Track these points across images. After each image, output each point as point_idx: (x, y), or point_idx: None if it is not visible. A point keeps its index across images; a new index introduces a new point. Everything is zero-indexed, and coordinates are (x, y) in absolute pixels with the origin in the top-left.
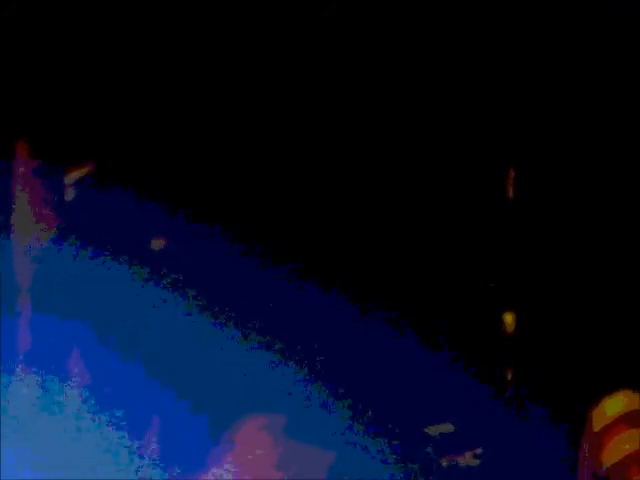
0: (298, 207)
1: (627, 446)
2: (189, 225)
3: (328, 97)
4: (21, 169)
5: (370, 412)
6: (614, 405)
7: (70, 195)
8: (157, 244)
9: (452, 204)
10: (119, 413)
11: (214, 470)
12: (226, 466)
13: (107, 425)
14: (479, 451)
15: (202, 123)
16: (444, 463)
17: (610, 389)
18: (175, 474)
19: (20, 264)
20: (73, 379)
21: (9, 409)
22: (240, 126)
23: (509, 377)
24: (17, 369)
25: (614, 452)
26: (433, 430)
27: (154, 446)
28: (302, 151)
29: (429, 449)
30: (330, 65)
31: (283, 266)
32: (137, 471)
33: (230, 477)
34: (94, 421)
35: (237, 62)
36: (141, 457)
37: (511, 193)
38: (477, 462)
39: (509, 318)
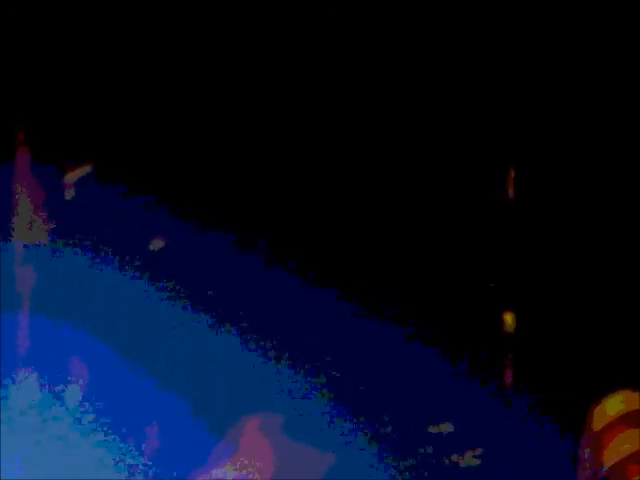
0: (298, 207)
1: (627, 446)
2: (189, 225)
3: (330, 96)
4: (21, 169)
5: (370, 412)
6: (614, 405)
7: (70, 195)
8: (157, 244)
9: (452, 204)
10: (119, 414)
11: (214, 470)
12: (226, 466)
13: (107, 426)
14: (479, 451)
15: (202, 123)
16: (444, 463)
17: (610, 389)
18: (175, 474)
19: (20, 264)
20: (73, 380)
21: (9, 409)
22: (241, 126)
23: (509, 377)
24: (17, 369)
25: (614, 452)
26: (433, 430)
27: (154, 446)
28: (302, 151)
29: (429, 449)
30: (333, 64)
31: (283, 266)
32: (137, 472)
33: (230, 477)
34: (94, 421)
35: (239, 62)
36: (141, 457)
37: (511, 193)
38: (477, 462)
39: (509, 318)
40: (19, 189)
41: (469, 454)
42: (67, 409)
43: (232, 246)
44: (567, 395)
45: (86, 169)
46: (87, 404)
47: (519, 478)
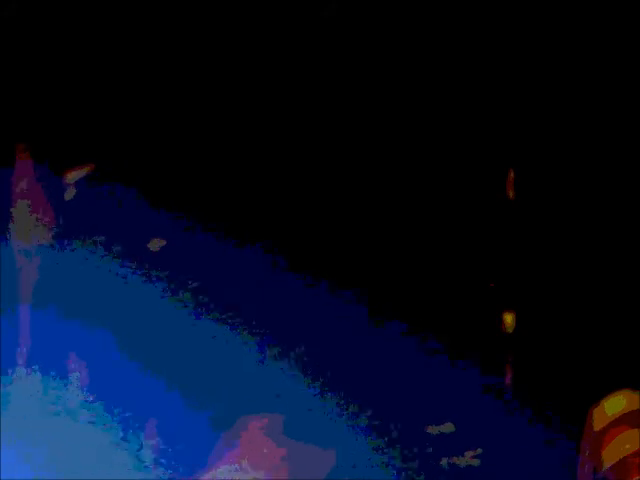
0: (298, 207)
1: (627, 446)
2: (189, 225)
3: (328, 97)
4: (21, 170)
5: (371, 412)
6: (614, 405)
7: (70, 195)
8: (156, 244)
9: (452, 204)
10: (120, 413)
11: (215, 470)
12: (227, 466)
13: (108, 425)
14: (479, 451)
15: (202, 123)
16: (444, 463)
17: (610, 389)
18: (176, 474)
19: (20, 264)
20: (74, 379)
21: (9, 409)
22: (240, 126)
23: (509, 377)
24: (17, 369)
25: (614, 452)
26: (433, 430)
27: (155, 446)
28: (302, 151)
29: (429, 449)
30: (330, 65)
31: (284, 267)
32: (138, 471)
33: (231, 477)
34: (95, 421)
35: (237, 62)
36: (142, 457)
37: (511, 193)
38: (477, 462)
39: (509, 318)
40: (20, 189)
41: (469, 454)
42: (68, 408)
43: (233, 246)
44: (567, 395)
45: (86, 169)
46: (88, 404)
47: (519, 478)
